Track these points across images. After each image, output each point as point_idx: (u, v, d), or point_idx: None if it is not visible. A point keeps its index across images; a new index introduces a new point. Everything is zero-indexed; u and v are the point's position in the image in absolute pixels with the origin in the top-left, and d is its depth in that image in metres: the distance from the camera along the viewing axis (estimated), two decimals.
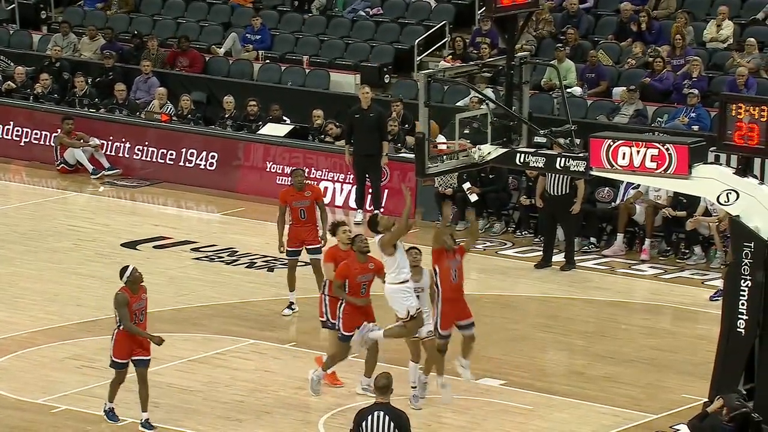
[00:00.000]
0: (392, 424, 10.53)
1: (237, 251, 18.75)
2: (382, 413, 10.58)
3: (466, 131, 14.47)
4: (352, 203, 20.52)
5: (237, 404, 13.88)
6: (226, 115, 22.50)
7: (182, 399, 13.98)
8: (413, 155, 16.91)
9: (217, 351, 15.16)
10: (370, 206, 20.26)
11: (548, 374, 14.97)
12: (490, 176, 19.52)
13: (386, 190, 20.44)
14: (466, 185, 19.25)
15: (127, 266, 13.14)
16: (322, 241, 16.22)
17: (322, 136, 21.62)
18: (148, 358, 13.08)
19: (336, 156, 20.69)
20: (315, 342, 15.38)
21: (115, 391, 13.22)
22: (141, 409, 13.11)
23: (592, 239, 19.02)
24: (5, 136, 23.24)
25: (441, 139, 15.22)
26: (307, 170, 20.68)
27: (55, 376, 14.46)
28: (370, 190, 20.15)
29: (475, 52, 22.76)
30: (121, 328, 12.98)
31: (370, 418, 10.56)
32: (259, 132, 21.92)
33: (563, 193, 18.09)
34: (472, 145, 14.00)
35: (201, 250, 18.83)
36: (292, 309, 16.37)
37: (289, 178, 17.18)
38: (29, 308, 16.31)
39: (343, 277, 13.63)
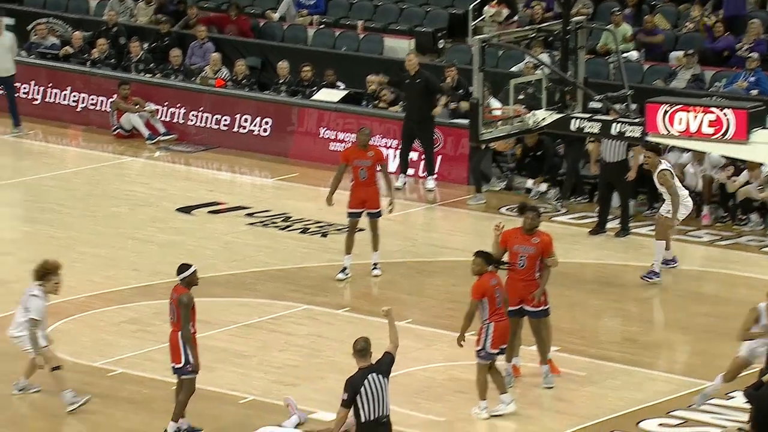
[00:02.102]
0: (385, 380, 11.01)
1: (291, 217, 18.81)
2: (373, 374, 10.96)
3: (521, 97, 14.39)
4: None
5: (291, 369, 13.95)
6: (281, 81, 22.52)
7: (237, 363, 14.07)
8: (467, 121, 16.85)
9: (271, 316, 15.23)
10: (423, 172, 20.20)
11: (602, 341, 14.92)
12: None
13: (439, 156, 20.38)
14: None
15: (189, 265, 12.32)
16: (390, 207, 16.17)
17: (376, 102, 21.59)
18: None
19: (390, 122, 20.65)
20: (368, 307, 15.42)
21: (186, 405, 12.27)
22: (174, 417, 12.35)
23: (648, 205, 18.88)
24: (63, 102, 23.42)
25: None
26: None
27: (111, 339, 14.61)
28: (423, 157, 20.08)
29: (528, 10, 22.54)
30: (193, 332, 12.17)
31: (366, 384, 10.91)
32: (313, 97, 21.93)
33: (619, 159, 17.93)
34: (527, 110, 13.94)
35: (255, 215, 18.91)
36: (346, 274, 16.38)
37: (355, 136, 17.10)
38: (87, 272, 16.46)
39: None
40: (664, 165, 16.06)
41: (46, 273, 12.98)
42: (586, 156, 19.37)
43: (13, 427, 12.70)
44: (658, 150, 16.29)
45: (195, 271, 12.32)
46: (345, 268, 16.36)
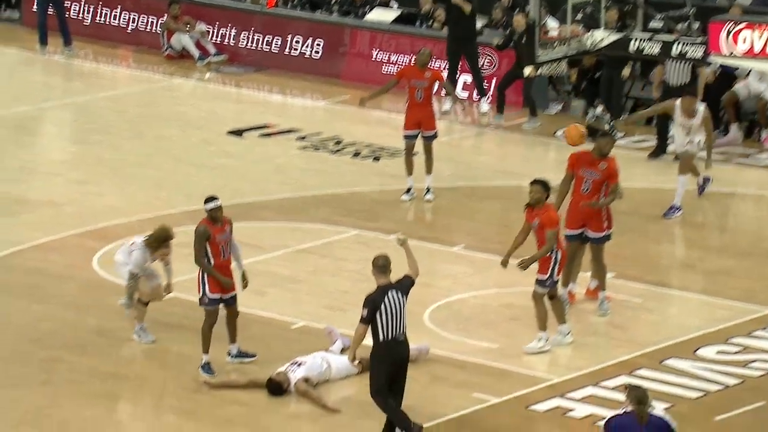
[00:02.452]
0: (404, 297, 10.87)
1: (342, 140, 18.58)
2: (393, 291, 10.83)
3: (579, 16, 14.01)
4: (459, 91, 20.08)
5: (342, 294, 13.83)
6: (333, 1, 22.17)
7: (288, 288, 13.98)
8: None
9: (322, 241, 15.08)
10: (477, 96, 19.82)
11: (660, 267, 14.67)
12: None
13: (494, 79, 19.99)
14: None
15: (215, 198, 12.12)
16: (462, 107, 16.39)
17: (431, 23, 21.19)
18: (235, 293, 12.24)
19: (444, 43, 20.24)
20: (420, 232, 15.21)
21: (209, 338, 12.07)
22: (230, 340, 12.35)
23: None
24: (113, 22, 23.23)
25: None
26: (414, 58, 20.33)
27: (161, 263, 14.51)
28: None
29: None
30: (211, 262, 12.06)
31: (386, 300, 10.79)
32: (365, 18, 21.57)
33: (683, 82, 17.38)
34: (584, 30, 13.57)
35: (306, 138, 18.70)
36: (411, 194, 16.18)
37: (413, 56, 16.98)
38: (136, 195, 16.37)
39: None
40: (703, 107, 15.66)
41: (159, 243, 12.73)
42: (643, 80, 18.95)
43: (74, 349, 12.72)
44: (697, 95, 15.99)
45: (219, 207, 12.10)
46: (410, 189, 16.19)
